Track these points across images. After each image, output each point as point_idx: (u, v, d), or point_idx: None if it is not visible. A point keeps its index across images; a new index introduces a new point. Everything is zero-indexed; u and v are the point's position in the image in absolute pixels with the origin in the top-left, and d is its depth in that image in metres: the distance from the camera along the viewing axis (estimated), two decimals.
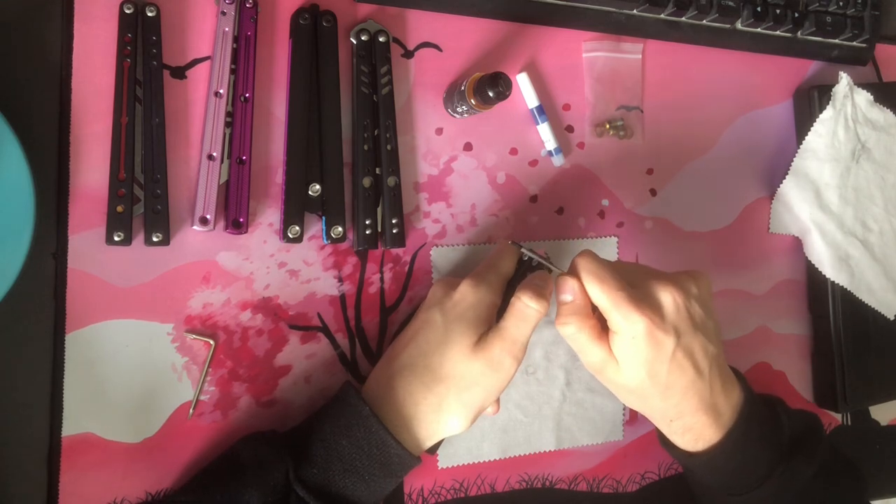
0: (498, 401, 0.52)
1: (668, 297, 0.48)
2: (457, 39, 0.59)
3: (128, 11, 0.50)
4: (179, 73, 0.52)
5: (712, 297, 0.52)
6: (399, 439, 0.48)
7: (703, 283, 0.51)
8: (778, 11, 0.65)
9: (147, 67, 0.51)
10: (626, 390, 0.50)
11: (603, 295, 0.47)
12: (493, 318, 0.51)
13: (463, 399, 0.49)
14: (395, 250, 0.57)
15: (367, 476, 0.47)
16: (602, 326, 0.49)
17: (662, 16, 0.63)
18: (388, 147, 0.55)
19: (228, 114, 0.52)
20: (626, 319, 0.46)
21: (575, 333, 0.49)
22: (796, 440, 0.54)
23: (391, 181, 0.55)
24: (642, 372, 0.48)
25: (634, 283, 0.49)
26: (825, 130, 0.66)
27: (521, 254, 0.54)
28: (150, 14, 0.50)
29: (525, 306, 0.49)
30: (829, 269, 0.66)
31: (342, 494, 0.47)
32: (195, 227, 0.51)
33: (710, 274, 0.66)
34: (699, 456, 0.52)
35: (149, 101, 0.50)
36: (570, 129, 0.62)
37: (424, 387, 0.49)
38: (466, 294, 0.50)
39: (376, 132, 0.56)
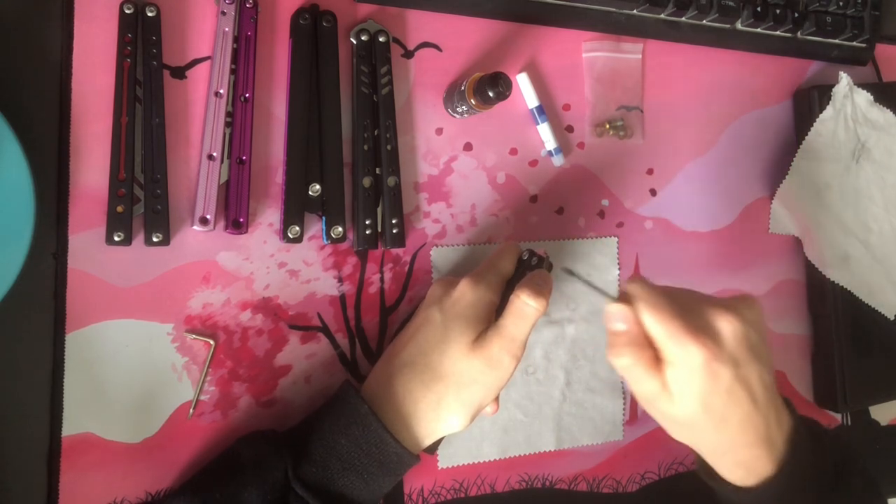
0: (497, 400, 0.52)
1: (726, 326, 0.45)
2: (457, 39, 0.59)
3: (128, 11, 0.50)
4: (179, 73, 0.52)
5: (764, 322, 0.49)
6: (398, 437, 0.48)
7: (757, 308, 0.48)
8: (778, 11, 0.65)
9: (147, 67, 0.50)
10: (677, 423, 0.48)
11: (659, 325, 0.44)
12: (492, 316, 0.51)
13: (462, 397, 0.49)
14: (395, 250, 0.57)
15: (365, 474, 0.47)
16: (656, 356, 0.46)
17: (662, 16, 0.63)
18: (388, 147, 0.55)
19: (228, 114, 0.52)
20: (683, 350, 0.44)
21: (630, 365, 0.46)
22: (837, 469, 0.52)
23: (391, 181, 0.55)
24: (697, 404, 0.45)
25: (688, 309, 0.46)
26: (825, 130, 0.66)
27: (521, 253, 0.54)
28: (150, 14, 0.50)
29: (524, 304, 0.49)
30: (829, 269, 0.66)
31: (341, 493, 0.47)
32: (195, 227, 0.51)
33: (710, 274, 0.66)
34: (751, 491, 0.49)
35: (149, 101, 0.50)
36: (570, 129, 0.62)
37: (423, 385, 0.49)
38: (465, 292, 0.50)
39: (376, 132, 0.56)
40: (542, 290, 0.50)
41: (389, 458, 0.48)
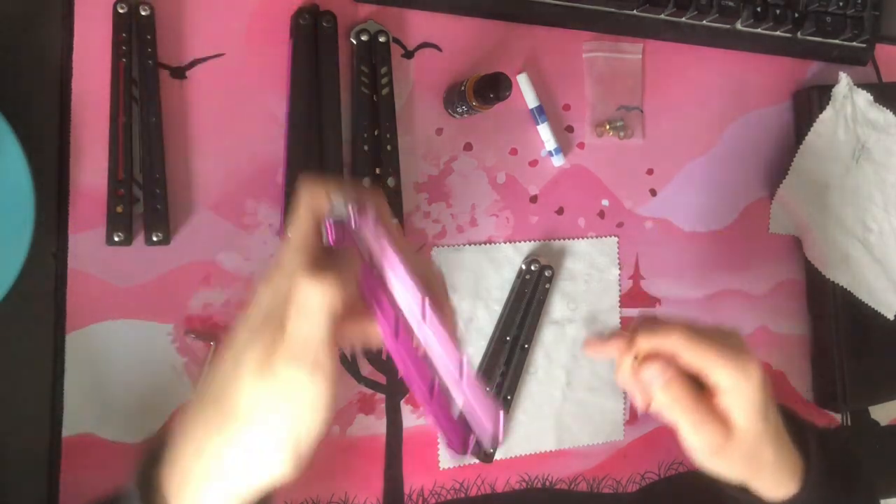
0: None
1: (741, 342, 0.45)
2: (457, 39, 0.59)
3: (121, 11, 0.50)
4: (180, 73, 0.52)
5: None
6: None
7: None
8: (778, 11, 0.65)
9: (142, 67, 0.50)
10: (745, 458, 0.46)
11: (710, 352, 0.43)
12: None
13: (264, 438, 0.34)
14: None
15: None
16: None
17: (662, 16, 0.63)
18: (388, 147, 0.55)
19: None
20: (745, 368, 0.43)
21: (690, 412, 0.43)
22: (835, 462, 0.51)
23: (391, 181, 0.55)
24: (761, 421, 0.44)
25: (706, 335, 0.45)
26: (825, 130, 0.66)
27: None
28: (143, 13, 0.50)
29: (303, 295, 0.33)
30: (829, 269, 0.66)
31: None
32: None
33: (710, 274, 0.66)
34: (796, 498, 0.48)
35: (145, 101, 0.50)
36: (570, 129, 0.62)
37: (210, 434, 0.34)
38: (257, 296, 0.36)
39: (376, 132, 0.56)
40: (325, 263, 0.34)
41: None
